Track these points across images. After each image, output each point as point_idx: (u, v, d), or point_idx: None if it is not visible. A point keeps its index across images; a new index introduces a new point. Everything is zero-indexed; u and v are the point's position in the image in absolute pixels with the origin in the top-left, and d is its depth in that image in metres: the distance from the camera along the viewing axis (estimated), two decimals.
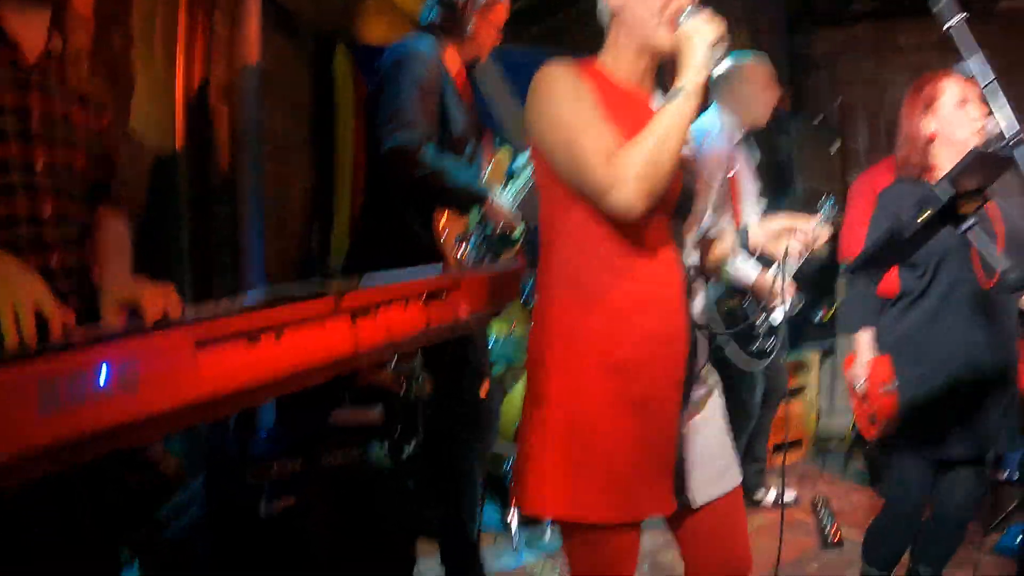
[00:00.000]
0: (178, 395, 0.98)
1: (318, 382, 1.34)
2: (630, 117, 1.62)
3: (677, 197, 1.67)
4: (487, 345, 2.80)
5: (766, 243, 2.00)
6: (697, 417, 1.79)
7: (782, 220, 2.01)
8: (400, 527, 2.83)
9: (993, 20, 5.30)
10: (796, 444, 4.84)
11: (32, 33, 1.51)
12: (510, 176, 3.05)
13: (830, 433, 5.08)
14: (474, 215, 2.69)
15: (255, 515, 2.50)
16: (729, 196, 3.44)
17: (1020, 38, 4.99)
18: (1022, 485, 3.82)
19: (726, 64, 3.42)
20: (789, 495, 4.03)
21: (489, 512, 3.56)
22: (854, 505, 4.07)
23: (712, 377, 1.87)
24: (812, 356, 4.80)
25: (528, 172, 3.09)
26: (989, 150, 1.45)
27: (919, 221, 1.46)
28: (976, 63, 1.54)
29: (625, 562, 1.72)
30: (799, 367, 4.83)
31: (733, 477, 1.84)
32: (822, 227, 1.96)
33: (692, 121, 1.58)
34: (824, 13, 6.23)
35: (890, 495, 2.66)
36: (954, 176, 1.46)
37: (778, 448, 4.58)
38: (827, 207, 2.45)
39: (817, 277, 4.10)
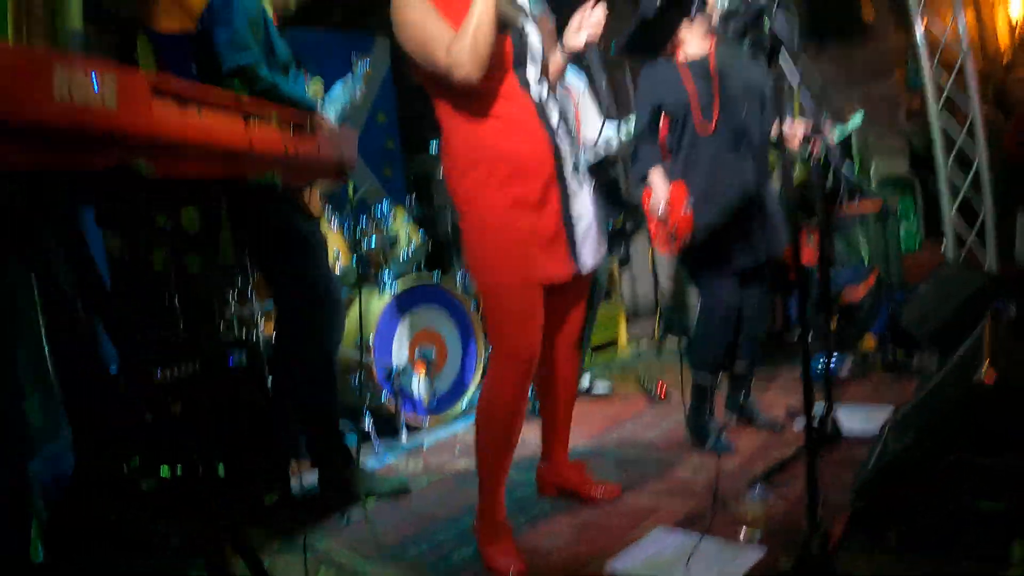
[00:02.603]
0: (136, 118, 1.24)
1: (217, 173, 1.58)
2: (464, 8, 2.14)
3: (512, 59, 2.28)
4: (324, 243, 3.02)
5: (569, 39, 2.39)
6: (577, 205, 2.38)
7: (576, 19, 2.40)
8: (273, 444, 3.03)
9: None
10: (612, 344, 5.36)
11: None
12: (328, 102, 3.34)
13: (638, 333, 5.65)
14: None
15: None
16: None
17: None
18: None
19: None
20: (603, 387, 4.42)
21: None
22: (671, 375, 4.51)
23: (586, 178, 2.46)
24: (612, 264, 5.29)
25: (344, 98, 3.41)
26: None
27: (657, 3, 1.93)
28: None
29: (534, 315, 2.30)
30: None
31: (603, 251, 2.51)
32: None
33: (495, 7, 2.12)
34: None
35: (704, 304, 3.16)
36: None
37: (596, 348, 5.11)
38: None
39: (608, 191, 4.57)
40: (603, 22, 2.38)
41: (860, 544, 2.08)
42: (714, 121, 2.99)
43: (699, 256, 3.06)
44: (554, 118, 2.36)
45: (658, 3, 1.97)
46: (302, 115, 1.83)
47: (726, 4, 2.79)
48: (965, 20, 4.58)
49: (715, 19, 2.94)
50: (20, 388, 2.01)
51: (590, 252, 2.42)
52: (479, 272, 2.33)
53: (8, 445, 1.88)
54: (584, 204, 2.42)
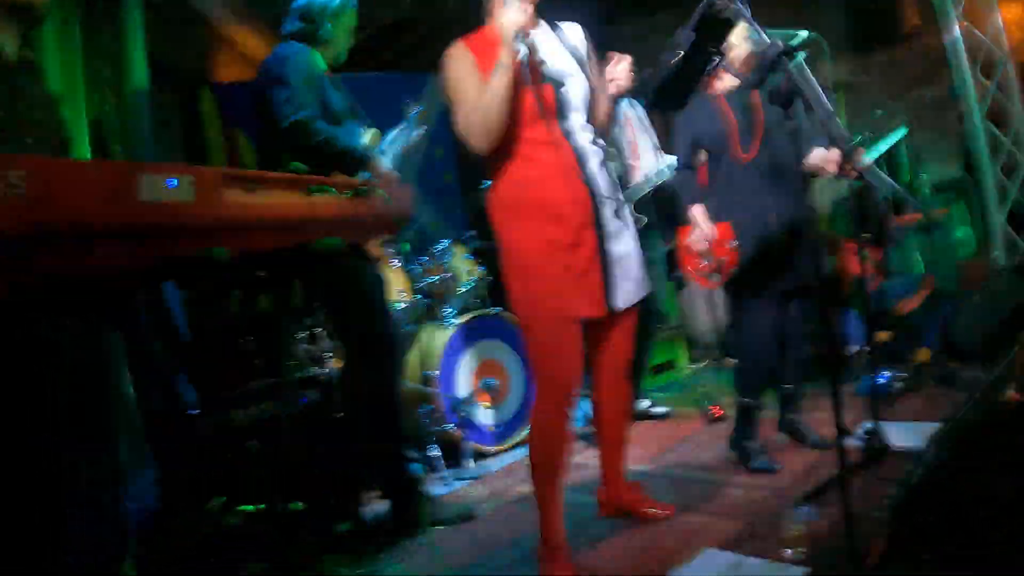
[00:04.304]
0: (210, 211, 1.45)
1: (285, 242, 1.79)
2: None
3: (554, 111, 2.45)
4: (383, 283, 3.23)
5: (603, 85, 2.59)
6: (619, 246, 2.53)
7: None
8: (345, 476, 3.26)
9: None
10: (673, 365, 5.49)
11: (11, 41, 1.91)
12: (383, 150, 3.56)
13: (700, 353, 5.76)
14: (360, 176, 3.16)
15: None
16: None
17: None
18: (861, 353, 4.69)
19: None
20: (661, 409, 4.54)
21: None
22: (726, 398, 4.61)
23: (628, 220, 2.63)
24: (668, 287, 5.39)
25: (399, 143, 3.62)
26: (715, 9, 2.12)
27: (680, 52, 2.10)
28: None
29: (571, 348, 2.47)
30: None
31: (642, 291, 2.63)
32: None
33: (510, 84, 2.31)
34: (627, 4, 7.11)
35: (746, 330, 3.27)
36: (695, 23, 2.12)
37: (657, 369, 5.22)
38: None
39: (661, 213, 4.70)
40: (629, 70, 2.55)
41: (899, 565, 2.16)
42: (753, 150, 3.13)
43: (740, 283, 3.20)
44: (593, 164, 2.52)
45: (679, 57, 2.14)
46: (358, 182, 2.02)
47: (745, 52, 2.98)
48: (1002, 22, 4.57)
49: (737, 66, 3.10)
50: (116, 434, 2.24)
51: (627, 292, 2.56)
52: (517, 307, 2.51)
53: (108, 485, 2.11)
54: (626, 244, 2.57)
